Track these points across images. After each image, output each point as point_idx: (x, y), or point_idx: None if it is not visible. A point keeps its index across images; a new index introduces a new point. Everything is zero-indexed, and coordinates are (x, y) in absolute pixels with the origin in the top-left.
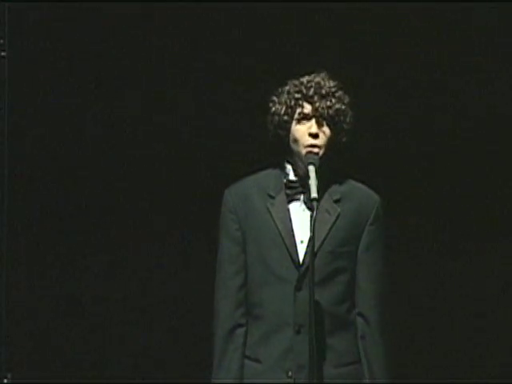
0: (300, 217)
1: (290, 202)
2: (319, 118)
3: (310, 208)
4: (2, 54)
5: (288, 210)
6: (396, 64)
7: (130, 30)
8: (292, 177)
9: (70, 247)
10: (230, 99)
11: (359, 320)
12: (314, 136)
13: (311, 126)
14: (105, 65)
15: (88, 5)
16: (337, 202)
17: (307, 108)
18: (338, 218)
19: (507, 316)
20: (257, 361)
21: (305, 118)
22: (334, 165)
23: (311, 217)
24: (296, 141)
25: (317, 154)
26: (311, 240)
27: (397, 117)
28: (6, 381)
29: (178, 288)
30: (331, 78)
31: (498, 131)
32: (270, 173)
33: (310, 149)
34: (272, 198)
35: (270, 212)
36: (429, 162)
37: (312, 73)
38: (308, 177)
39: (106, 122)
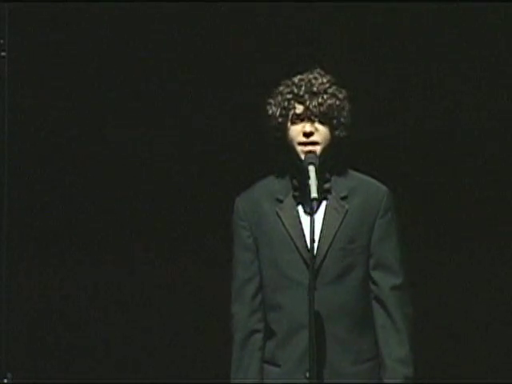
0: (309, 218)
1: (298, 203)
2: (311, 116)
3: (311, 207)
4: (2, 54)
5: (297, 212)
6: (396, 62)
7: (129, 30)
8: (296, 179)
9: (70, 248)
10: (235, 105)
11: (378, 311)
12: (308, 135)
13: (305, 125)
14: (105, 64)
15: (88, 5)
16: (344, 198)
17: (299, 108)
18: (346, 215)
19: (507, 316)
20: (276, 365)
21: (298, 118)
22: (337, 160)
23: (311, 218)
24: (292, 141)
25: (314, 152)
26: (320, 239)
27: (398, 111)
28: (6, 381)
29: (185, 291)
30: (325, 74)
31: (499, 129)
32: (278, 176)
33: (304, 148)
34: (280, 201)
35: (279, 216)
36: (430, 161)
37: (306, 71)
38: (308, 177)
39: (106, 123)
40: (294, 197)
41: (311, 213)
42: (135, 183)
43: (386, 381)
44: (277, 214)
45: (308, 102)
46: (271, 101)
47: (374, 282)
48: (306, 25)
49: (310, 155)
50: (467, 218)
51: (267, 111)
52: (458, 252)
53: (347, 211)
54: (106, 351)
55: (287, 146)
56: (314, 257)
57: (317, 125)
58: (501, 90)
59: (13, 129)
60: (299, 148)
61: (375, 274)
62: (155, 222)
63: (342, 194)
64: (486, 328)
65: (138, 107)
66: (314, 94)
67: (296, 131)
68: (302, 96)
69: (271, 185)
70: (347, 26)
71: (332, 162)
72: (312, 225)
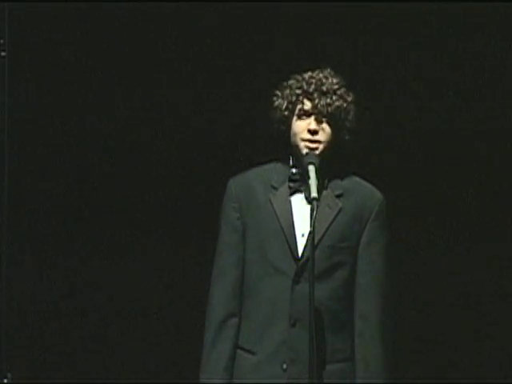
0: (301, 210)
1: (292, 194)
2: (318, 115)
3: (311, 206)
4: (2, 54)
5: (290, 202)
6: (397, 62)
7: (129, 29)
8: (294, 170)
9: (70, 248)
10: (230, 95)
11: (358, 318)
12: (313, 133)
13: (310, 122)
14: (105, 64)
15: (88, 5)
16: (339, 196)
17: (307, 105)
18: (339, 212)
19: (507, 316)
20: (251, 352)
21: (305, 114)
22: (337, 161)
23: (311, 218)
24: (295, 136)
25: (315, 149)
26: (311, 236)
27: (398, 115)
28: (5, 381)
29: (179, 286)
30: (335, 74)
31: (500, 130)
32: (275, 165)
33: (308, 144)
34: (275, 189)
35: (271, 203)
36: (430, 163)
37: (317, 69)
38: (308, 176)
39: (106, 122)
40: (289, 188)
41: (311, 212)
42: (135, 182)
43: None
44: (269, 200)
45: (317, 101)
46: (278, 93)
47: (357, 286)
48: (306, 25)
49: (310, 155)
50: (467, 219)
51: (273, 103)
52: (456, 254)
53: (340, 209)
54: (106, 351)
55: (289, 139)
56: (313, 255)
57: (323, 124)
58: (502, 91)
59: (13, 129)
60: (302, 143)
61: (359, 278)
62: (155, 222)
63: (337, 192)
64: (483, 329)
65: (138, 106)
66: (324, 93)
67: (301, 127)
68: (312, 93)
69: (267, 172)
70: (347, 27)
71: (331, 161)
72: (313, 225)
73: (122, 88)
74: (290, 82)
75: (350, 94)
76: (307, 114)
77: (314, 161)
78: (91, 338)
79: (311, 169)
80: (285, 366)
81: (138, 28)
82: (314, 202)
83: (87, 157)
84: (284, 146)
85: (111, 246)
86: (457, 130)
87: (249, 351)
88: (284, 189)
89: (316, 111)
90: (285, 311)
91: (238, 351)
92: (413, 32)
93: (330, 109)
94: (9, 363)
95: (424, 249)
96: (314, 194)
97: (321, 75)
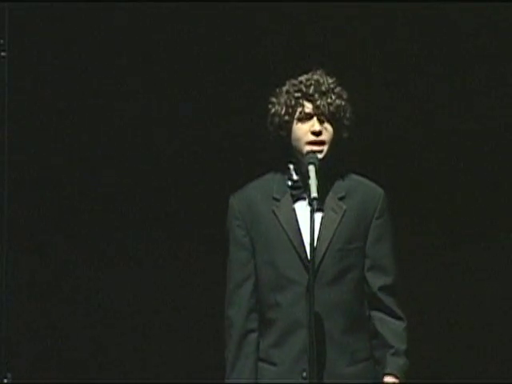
0: (307, 217)
1: (295, 202)
2: (321, 115)
3: (311, 206)
4: (2, 54)
5: (294, 211)
6: (395, 62)
7: (130, 29)
8: (295, 177)
9: (70, 248)
10: (230, 107)
11: (375, 314)
12: (317, 134)
13: (313, 124)
14: (105, 64)
15: (88, 5)
16: (341, 199)
17: (308, 107)
18: (344, 215)
19: (507, 317)
20: (272, 363)
21: (306, 116)
22: (335, 161)
23: (311, 218)
24: (298, 140)
25: (321, 151)
26: (318, 239)
27: (397, 111)
28: (5, 381)
29: (182, 290)
30: (328, 74)
31: (500, 129)
32: (274, 176)
33: (312, 146)
34: (277, 200)
35: (276, 215)
36: (430, 160)
37: (309, 71)
38: (308, 176)
39: (106, 123)
40: (292, 196)
41: (312, 212)
42: (136, 183)
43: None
44: (273, 212)
45: (318, 102)
46: (274, 100)
47: (369, 284)
48: (305, 26)
49: (310, 155)
50: (467, 219)
51: (269, 110)
52: (456, 254)
53: (345, 211)
54: (106, 351)
55: (289, 144)
56: (317, 259)
57: (325, 124)
58: (503, 91)
59: (13, 129)
60: (306, 147)
61: (370, 276)
62: (155, 223)
63: (340, 195)
64: (484, 329)
65: (138, 107)
66: (323, 94)
67: (303, 130)
68: (312, 95)
69: (267, 184)
70: (345, 28)
71: (331, 162)
72: (312, 225)
73: (121, 88)
74: (287, 87)
75: (344, 92)
76: (309, 117)
77: (314, 161)
78: (91, 338)
79: (311, 169)
80: (305, 374)
81: (138, 28)
82: (315, 202)
83: (87, 157)
84: (283, 152)
85: (112, 248)
86: (457, 129)
87: (269, 362)
88: (286, 198)
89: (318, 112)
90: (302, 320)
91: (259, 363)
92: (413, 32)
93: (331, 108)
94: (9, 363)
95: (424, 248)
96: (314, 193)
97: (316, 76)
